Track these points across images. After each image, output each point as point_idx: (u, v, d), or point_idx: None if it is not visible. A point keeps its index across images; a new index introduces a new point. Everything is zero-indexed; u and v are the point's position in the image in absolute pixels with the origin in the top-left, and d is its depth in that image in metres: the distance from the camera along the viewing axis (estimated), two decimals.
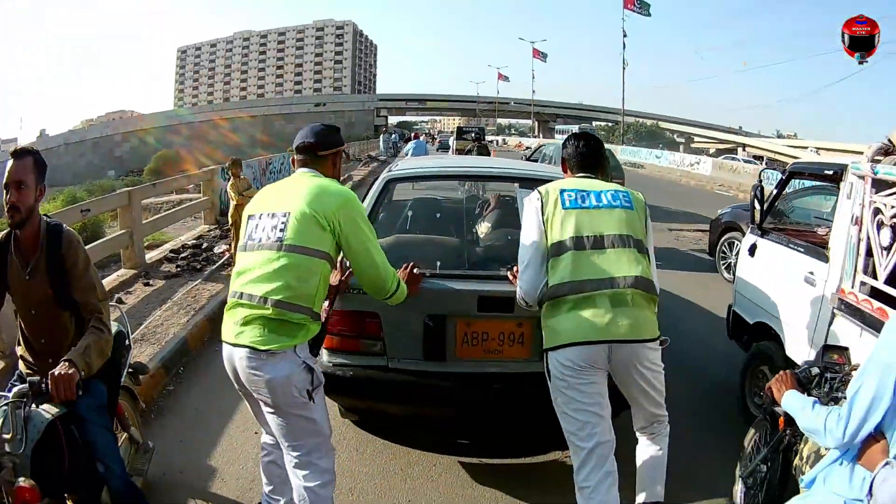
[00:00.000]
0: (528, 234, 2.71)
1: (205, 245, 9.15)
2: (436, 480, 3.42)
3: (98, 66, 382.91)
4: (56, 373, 2.22)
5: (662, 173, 28.75)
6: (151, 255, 8.51)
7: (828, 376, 2.40)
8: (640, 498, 2.74)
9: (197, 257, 8.38)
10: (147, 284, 7.12)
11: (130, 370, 3.15)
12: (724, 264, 8.60)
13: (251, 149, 51.50)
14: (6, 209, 2.37)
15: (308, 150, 2.64)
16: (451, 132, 39.32)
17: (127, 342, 3.03)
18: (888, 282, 2.84)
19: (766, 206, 4.31)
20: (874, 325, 2.85)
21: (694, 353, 5.27)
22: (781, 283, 3.85)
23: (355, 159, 32.14)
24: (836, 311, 3.21)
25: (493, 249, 3.61)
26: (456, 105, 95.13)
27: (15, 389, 2.20)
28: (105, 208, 8.67)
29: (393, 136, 36.97)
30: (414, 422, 3.69)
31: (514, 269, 2.89)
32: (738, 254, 7.31)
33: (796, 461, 2.49)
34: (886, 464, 1.77)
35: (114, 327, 2.77)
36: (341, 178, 2.81)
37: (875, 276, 2.95)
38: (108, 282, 7.04)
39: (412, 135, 29.85)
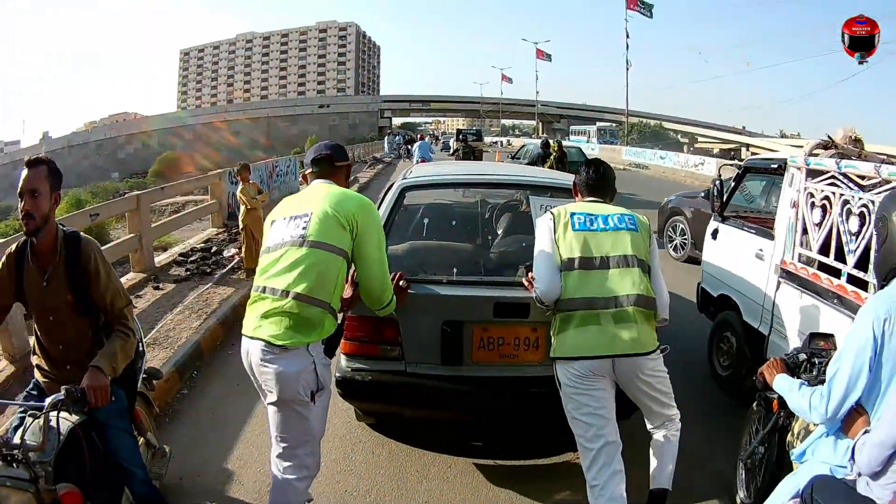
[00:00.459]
0: (542, 247, 2.89)
1: (214, 249, 9.18)
2: (452, 482, 3.46)
3: (101, 67, 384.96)
4: (89, 381, 2.26)
5: (667, 174, 28.71)
6: (160, 259, 8.56)
7: (815, 361, 2.60)
8: (652, 485, 2.89)
9: (206, 261, 8.40)
10: (157, 288, 7.17)
11: (145, 376, 3.16)
12: (670, 245, 9.76)
13: (251, 151, 51.66)
14: (21, 218, 2.40)
15: (325, 161, 2.82)
16: (453, 134, 40.36)
17: (140, 348, 3.02)
18: (822, 252, 3.51)
19: (725, 197, 5.06)
20: (810, 287, 3.59)
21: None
22: (738, 261, 4.56)
23: (360, 161, 32.20)
24: (780, 279, 3.94)
25: (507, 256, 3.66)
26: (460, 106, 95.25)
27: (49, 399, 2.21)
28: (114, 212, 8.76)
29: (397, 137, 37.05)
30: (430, 425, 3.74)
31: (529, 275, 2.98)
32: (682, 234, 9.52)
33: (789, 438, 2.67)
34: (866, 431, 1.96)
35: None
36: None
37: (810, 249, 3.64)
38: None
39: (418, 136, 31.69)
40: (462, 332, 3.22)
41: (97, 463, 2.44)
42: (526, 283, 3.04)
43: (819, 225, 3.54)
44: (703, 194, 9.53)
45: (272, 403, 2.49)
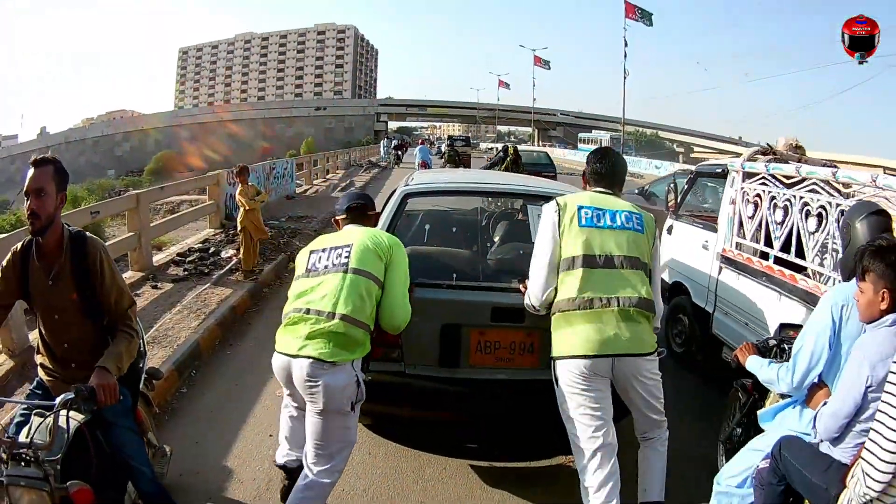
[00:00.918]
0: (542, 242, 2.92)
1: (212, 249, 9.19)
2: (447, 482, 3.54)
3: (99, 65, 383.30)
4: (98, 380, 2.31)
5: None
6: (158, 258, 8.58)
7: (784, 347, 2.88)
8: (643, 497, 2.90)
9: (204, 261, 8.43)
10: (155, 287, 7.19)
11: (145, 376, 3.16)
12: None
13: (250, 151, 51.59)
14: (27, 216, 2.41)
15: (360, 209, 3.15)
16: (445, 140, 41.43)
17: (142, 347, 3.05)
18: (757, 241, 4.20)
19: (679, 198, 5.76)
20: (744, 270, 4.31)
21: None
22: (688, 252, 5.26)
23: (356, 165, 32.21)
24: (721, 264, 4.63)
25: (504, 262, 3.75)
26: (456, 112, 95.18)
27: (59, 399, 2.23)
28: (114, 210, 8.80)
29: (394, 141, 37.26)
30: (427, 426, 3.80)
31: (525, 281, 3.07)
32: None
33: (759, 411, 2.93)
34: (825, 403, 2.33)
35: None
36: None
37: (745, 238, 4.37)
38: None
39: (419, 141, 36.29)
40: (460, 336, 3.31)
41: (102, 462, 2.46)
42: (522, 289, 3.11)
43: (752, 217, 4.28)
44: (636, 191, 11.07)
45: (318, 413, 2.68)
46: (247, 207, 7.77)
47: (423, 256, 3.75)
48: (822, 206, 3.53)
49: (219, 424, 4.17)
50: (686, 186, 5.90)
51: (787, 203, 3.85)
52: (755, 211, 4.24)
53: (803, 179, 3.75)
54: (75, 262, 2.50)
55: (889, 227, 2.73)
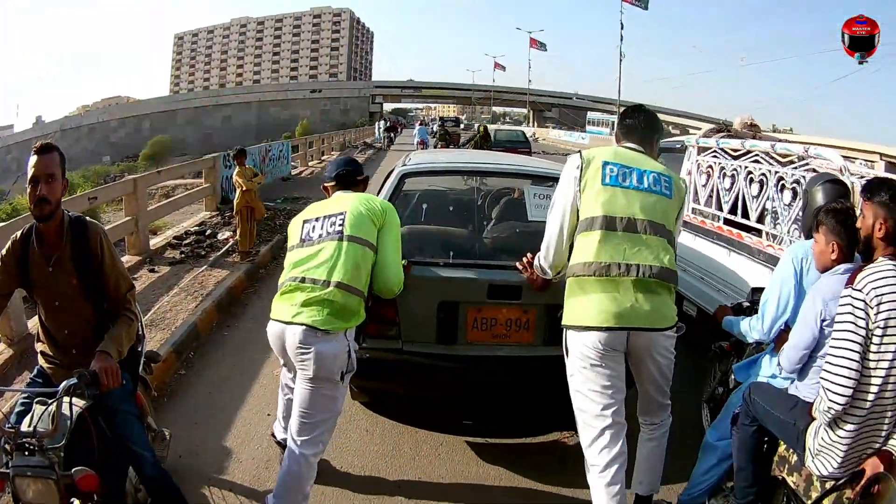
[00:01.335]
0: (560, 198, 2.72)
1: (208, 232, 9.20)
2: (443, 458, 3.57)
3: (94, 52, 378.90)
4: (100, 364, 2.30)
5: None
6: (155, 242, 8.57)
7: (756, 308, 2.99)
8: (638, 489, 2.83)
9: (201, 244, 8.43)
10: (152, 271, 7.21)
11: (144, 359, 3.14)
12: None
13: (245, 136, 51.35)
14: (35, 202, 2.38)
15: (348, 175, 3.16)
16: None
17: (141, 331, 3.02)
18: (706, 205, 4.94)
19: None
20: (699, 231, 4.91)
21: None
22: None
23: (351, 146, 32.12)
24: (679, 228, 4.57)
25: (500, 240, 3.75)
26: (451, 93, 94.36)
27: (63, 385, 2.22)
28: (111, 196, 8.79)
29: (387, 123, 37.50)
30: (423, 402, 3.84)
31: (524, 259, 3.09)
32: None
33: (734, 364, 3.18)
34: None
35: None
36: None
37: (699, 203, 5.03)
38: None
39: (418, 122, 39.02)
40: (457, 313, 3.32)
41: (104, 447, 2.45)
42: (519, 266, 3.13)
43: (705, 186, 4.98)
44: None
45: (307, 380, 2.69)
46: (244, 188, 7.78)
47: (420, 235, 3.76)
48: (763, 174, 4.18)
49: (217, 405, 4.20)
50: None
51: (735, 172, 4.52)
52: (707, 180, 4.95)
53: (748, 152, 4.42)
54: (76, 248, 2.49)
55: (843, 195, 2.99)
